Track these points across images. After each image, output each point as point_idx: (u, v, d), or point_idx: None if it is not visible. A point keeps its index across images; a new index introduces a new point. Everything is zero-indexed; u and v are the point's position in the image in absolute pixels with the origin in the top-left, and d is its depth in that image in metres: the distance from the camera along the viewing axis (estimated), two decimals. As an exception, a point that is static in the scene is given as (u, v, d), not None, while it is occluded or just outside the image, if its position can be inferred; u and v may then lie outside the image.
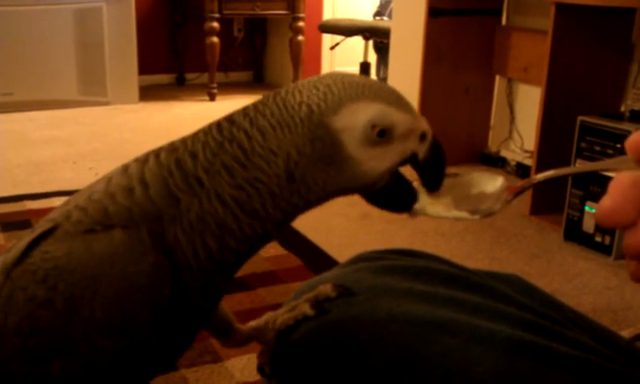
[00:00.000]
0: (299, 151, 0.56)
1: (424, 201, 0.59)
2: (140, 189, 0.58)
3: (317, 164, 0.56)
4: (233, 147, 0.57)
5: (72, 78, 4.22)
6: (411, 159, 0.60)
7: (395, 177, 0.60)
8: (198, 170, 0.57)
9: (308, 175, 0.57)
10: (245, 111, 0.58)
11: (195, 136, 0.59)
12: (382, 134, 0.57)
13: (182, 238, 0.57)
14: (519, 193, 0.56)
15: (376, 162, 0.58)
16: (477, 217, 0.57)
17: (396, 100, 0.59)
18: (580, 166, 0.62)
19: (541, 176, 0.54)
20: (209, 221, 0.57)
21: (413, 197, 0.60)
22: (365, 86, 0.58)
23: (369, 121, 0.57)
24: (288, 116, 0.56)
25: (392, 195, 0.61)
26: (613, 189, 0.44)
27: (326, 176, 0.57)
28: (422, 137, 0.60)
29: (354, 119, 0.57)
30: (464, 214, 0.57)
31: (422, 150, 0.60)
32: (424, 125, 0.60)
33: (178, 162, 0.58)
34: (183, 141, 0.60)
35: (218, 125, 0.59)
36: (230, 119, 0.59)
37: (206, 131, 0.59)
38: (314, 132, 0.56)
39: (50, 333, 0.56)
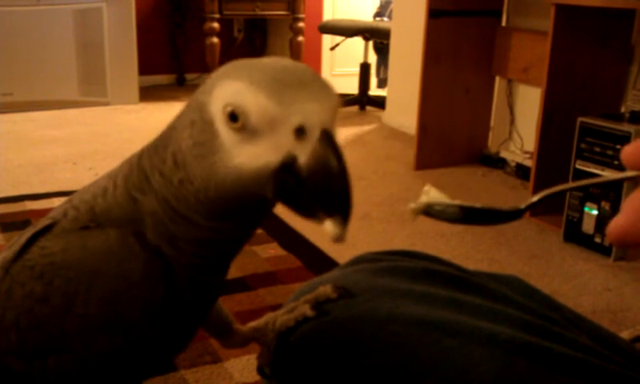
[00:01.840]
0: (181, 133, 0.55)
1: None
2: (111, 190, 0.59)
3: (194, 149, 0.53)
4: (158, 138, 0.58)
5: (72, 79, 4.22)
6: (291, 165, 0.47)
7: (283, 183, 0.48)
8: (146, 168, 0.57)
9: (187, 162, 0.53)
10: None
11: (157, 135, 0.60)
12: (234, 119, 0.49)
13: (152, 238, 0.57)
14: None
15: (246, 156, 0.49)
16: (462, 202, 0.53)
17: (270, 81, 0.48)
18: (579, 181, 0.62)
19: (539, 196, 0.53)
20: (159, 222, 0.56)
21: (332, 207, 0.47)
22: (246, 66, 0.51)
23: (221, 100, 0.50)
24: (191, 100, 0.56)
25: (296, 201, 0.49)
26: (627, 207, 0.43)
27: (201, 170, 0.52)
28: (300, 132, 0.47)
29: (216, 100, 0.51)
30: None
31: (302, 153, 0.47)
32: (303, 117, 0.46)
33: (139, 161, 0.58)
34: (151, 140, 0.60)
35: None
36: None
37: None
38: (193, 112, 0.54)
39: (46, 328, 0.57)
